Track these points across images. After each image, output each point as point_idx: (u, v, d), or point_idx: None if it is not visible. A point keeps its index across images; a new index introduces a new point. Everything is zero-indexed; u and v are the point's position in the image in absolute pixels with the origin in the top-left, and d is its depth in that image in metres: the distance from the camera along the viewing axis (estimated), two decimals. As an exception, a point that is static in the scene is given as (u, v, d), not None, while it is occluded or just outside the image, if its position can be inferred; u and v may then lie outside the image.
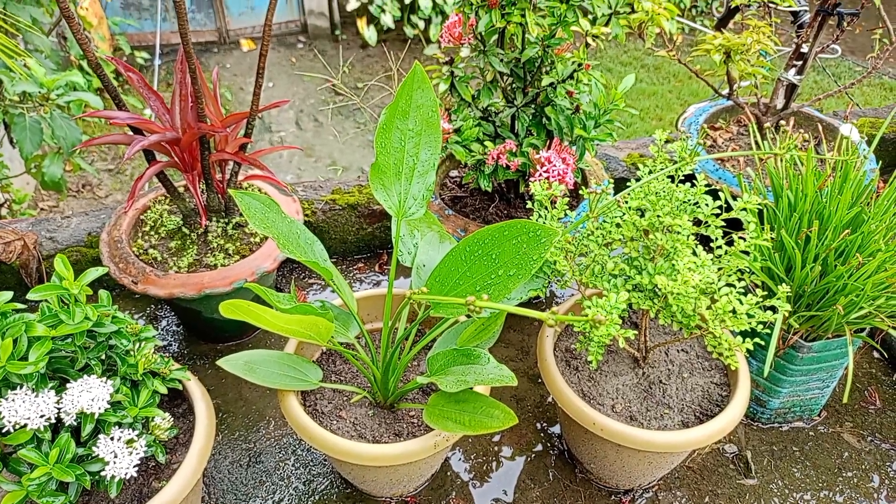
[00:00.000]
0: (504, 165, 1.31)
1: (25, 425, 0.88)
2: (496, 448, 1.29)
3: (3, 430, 0.89)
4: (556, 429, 1.33)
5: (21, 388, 0.90)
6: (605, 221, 1.08)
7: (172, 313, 1.55)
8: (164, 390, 1.02)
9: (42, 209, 4.38)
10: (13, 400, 0.88)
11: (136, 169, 5.37)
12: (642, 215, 1.06)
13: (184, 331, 1.51)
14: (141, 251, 1.35)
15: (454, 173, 1.62)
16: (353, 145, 5.68)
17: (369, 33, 6.41)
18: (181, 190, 1.41)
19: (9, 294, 0.88)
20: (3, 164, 3.13)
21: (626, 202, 1.04)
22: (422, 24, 6.50)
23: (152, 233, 1.39)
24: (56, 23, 3.24)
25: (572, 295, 1.57)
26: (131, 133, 1.25)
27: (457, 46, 1.33)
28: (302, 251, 1.02)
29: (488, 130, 1.37)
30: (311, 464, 1.27)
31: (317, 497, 1.22)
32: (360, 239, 1.69)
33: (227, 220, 1.39)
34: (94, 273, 0.95)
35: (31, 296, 0.89)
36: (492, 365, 0.99)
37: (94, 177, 5.14)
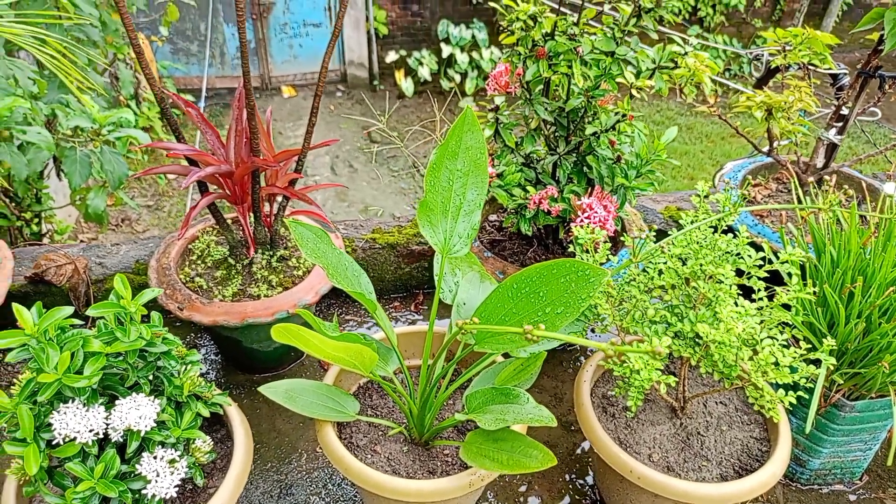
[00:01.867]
0: (545, 210, 1.33)
1: (74, 439, 0.90)
2: (524, 498, 1.28)
3: (54, 443, 0.91)
4: (589, 479, 1.31)
5: (73, 401, 0.92)
6: (644, 269, 1.10)
7: (211, 342, 1.58)
8: (206, 413, 1.04)
9: (81, 241, 4.51)
10: (65, 413, 0.91)
11: (174, 206, 5.51)
12: (684, 263, 1.07)
13: (222, 360, 1.54)
14: (187, 279, 1.39)
15: (493, 217, 1.65)
16: (385, 191, 5.78)
17: (406, 85, 6.59)
18: (229, 221, 1.46)
19: (70, 309, 0.91)
20: (48, 195, 3.25)
21: (669, 249, 1.05)
22: (458, 78, 6.68)
23: (199, 262, 1.43)
24: (110, 63, 3.38)
25: (610, 340, 1.56)
26: (188, 165, 1.30)
27: (502, 94, 1.38)
28: (349, 282, 1.05)
29: (530, 176, 1.40)
30: (341, 500, 1.27)
31: (345, 533, 1.22)
32: (398, 278, 1.72)
33: (271, 253, 1.43)
34: (149, 294, 0.98)
35: (90, 312, 0.93)
36: (531, 405, 1.00)
37: (134, 211, 5.29)
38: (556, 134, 1.38)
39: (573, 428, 1.41)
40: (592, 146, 1.34)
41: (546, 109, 1.32)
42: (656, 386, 1.15)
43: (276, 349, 1.46)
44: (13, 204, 3.01)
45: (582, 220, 1.25)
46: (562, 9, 1.23)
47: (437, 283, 1.08)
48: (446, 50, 6.62)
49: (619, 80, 1.25)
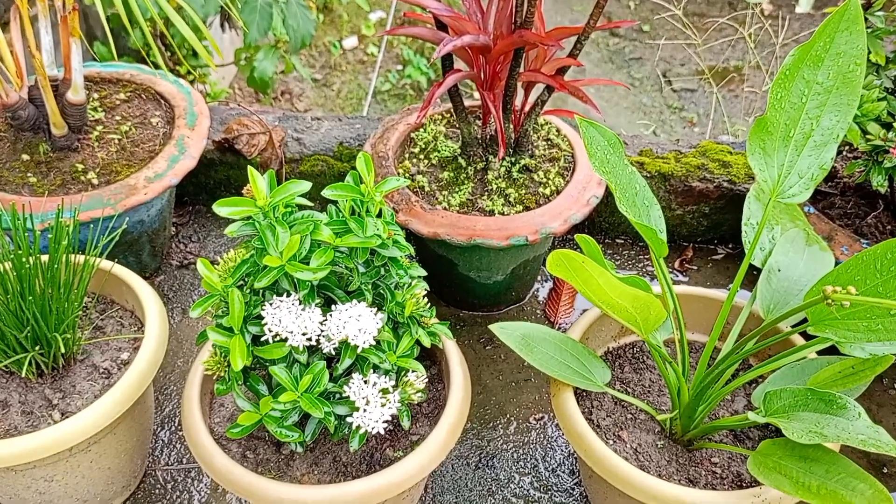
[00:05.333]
0: (914, 161, 1.26)
1: (285, 339, 1.01)
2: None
3: (261, 339, 1.03)
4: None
5: (288, 296, 1.03)
6: None
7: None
8: (427, 342, 1.12)
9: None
10: (279, 307, 1.02)
11: (345, 84, 5.83)
12: None
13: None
14: (407, 175, 1.48)
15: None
16: (619, 105, 5.69)
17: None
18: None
19: (307, 184, 1.01)
20: (208, 49, 3.57)
21: None
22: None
23: (422, 156, 1.52)
24: None
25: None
26: (436, 29, 1.37)
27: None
28: (636, 212, 1.07)
29: (895, 110, 1.32)
30: (553, 489, 1.33)
31: (556, 532, 1.28)
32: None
33: (513, 160, 1.48)
34: (393, 182, 1.07)
35: (327, 192, 1.02)
36: (862, 422, 0.97)
37: (299, 84, 5.66)
38: (952, 53, 1.28)
39: (885, 471, 1.36)
40: None
41: (948, 15, 1.23)
42: None
43: (496, 283, 1.53)
44: (169, 54, 3.31)
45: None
46: None
47: (755, 237, 1.07)
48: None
49: None
